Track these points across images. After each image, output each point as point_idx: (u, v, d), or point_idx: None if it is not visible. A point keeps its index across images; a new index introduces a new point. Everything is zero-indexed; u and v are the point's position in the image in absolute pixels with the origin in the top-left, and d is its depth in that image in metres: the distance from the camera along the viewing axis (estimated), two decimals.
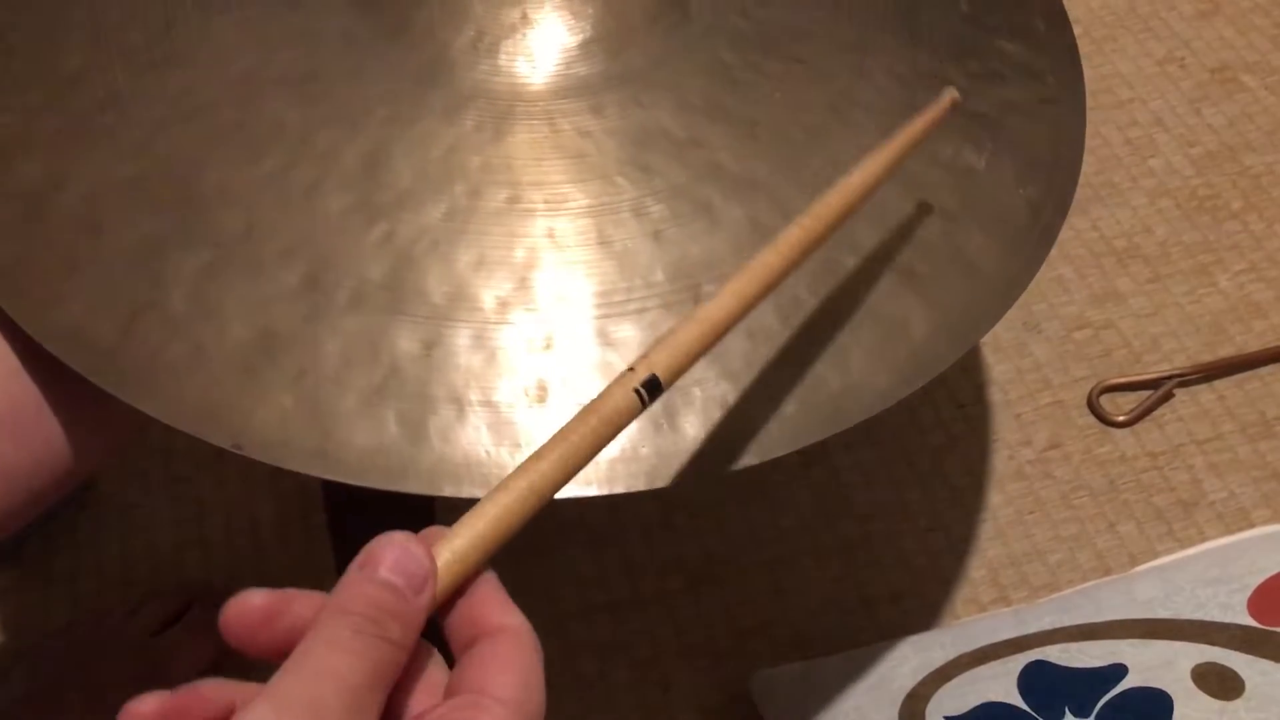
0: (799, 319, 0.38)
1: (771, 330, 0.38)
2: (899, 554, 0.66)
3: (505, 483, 0.27)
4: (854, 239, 0.39)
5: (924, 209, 0.40)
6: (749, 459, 0.36)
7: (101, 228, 0.38)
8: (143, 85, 0.41)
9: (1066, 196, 0.44)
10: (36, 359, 0.37)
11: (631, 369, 0.30)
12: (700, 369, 0.37)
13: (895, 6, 0.46)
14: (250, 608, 0.26)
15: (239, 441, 0.35)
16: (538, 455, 0.28)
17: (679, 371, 0.31)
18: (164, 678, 0.58)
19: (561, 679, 0.61)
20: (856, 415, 0.37)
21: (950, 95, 0.39)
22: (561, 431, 0.29)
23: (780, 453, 0.36)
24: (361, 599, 0.25)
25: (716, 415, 0.37)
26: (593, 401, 0.29)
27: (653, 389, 0.30)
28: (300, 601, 0.26)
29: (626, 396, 0.29)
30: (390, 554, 0.26)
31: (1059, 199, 0.43)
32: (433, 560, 0.26)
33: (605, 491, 0.36)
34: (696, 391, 0.37)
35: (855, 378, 0.38)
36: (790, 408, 0.37)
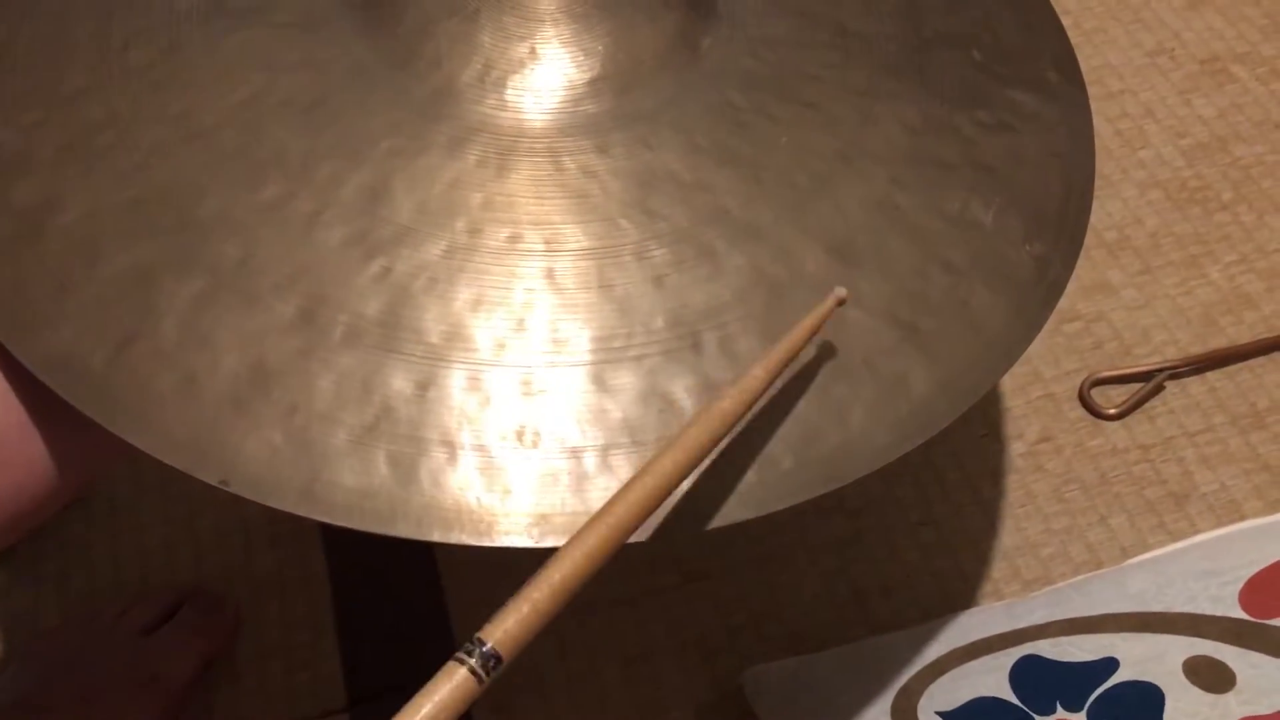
0: (799, 373, 0.38)
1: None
2: (890, 549, 0.66)
3: None
4: (858, 292, 0.39)
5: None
6: (743, 513, 0.36)
7: (96, 251, 0.38)
8: (144, 106, 0.41)
9: (1073, 253, 0.43)
10: (24, 382, 0.36)
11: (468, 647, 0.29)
12: None
13: (907, 53, 0.46)
14: None
15: (226, 478, 0.35)
16: None
17: (523, 645, 0.30)
18: (155, 678, 0.58)
19: (553, 677, 0.61)
20: (853, 473, 0.37)
21: (837, 295, 0.38)
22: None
23: (775, 508, 0.36)
24: None
25: (711, 467, 0.36)
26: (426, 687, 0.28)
27: (491, 664, 0.29)
28: None
29: (460, 677, 0.28)
30: None
31: (1066, 255, 0.43)
32: None
33: None
34: None
35: (854, 434, 0.37)
36: (787, 463, 0.36)
